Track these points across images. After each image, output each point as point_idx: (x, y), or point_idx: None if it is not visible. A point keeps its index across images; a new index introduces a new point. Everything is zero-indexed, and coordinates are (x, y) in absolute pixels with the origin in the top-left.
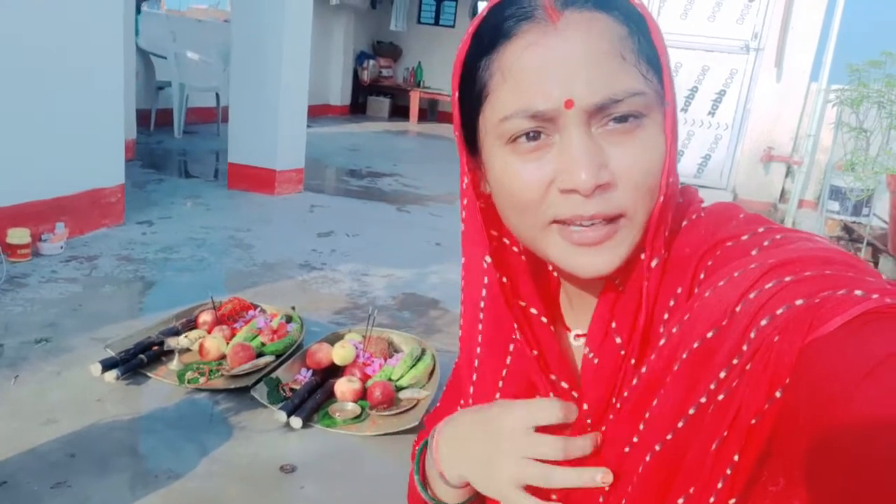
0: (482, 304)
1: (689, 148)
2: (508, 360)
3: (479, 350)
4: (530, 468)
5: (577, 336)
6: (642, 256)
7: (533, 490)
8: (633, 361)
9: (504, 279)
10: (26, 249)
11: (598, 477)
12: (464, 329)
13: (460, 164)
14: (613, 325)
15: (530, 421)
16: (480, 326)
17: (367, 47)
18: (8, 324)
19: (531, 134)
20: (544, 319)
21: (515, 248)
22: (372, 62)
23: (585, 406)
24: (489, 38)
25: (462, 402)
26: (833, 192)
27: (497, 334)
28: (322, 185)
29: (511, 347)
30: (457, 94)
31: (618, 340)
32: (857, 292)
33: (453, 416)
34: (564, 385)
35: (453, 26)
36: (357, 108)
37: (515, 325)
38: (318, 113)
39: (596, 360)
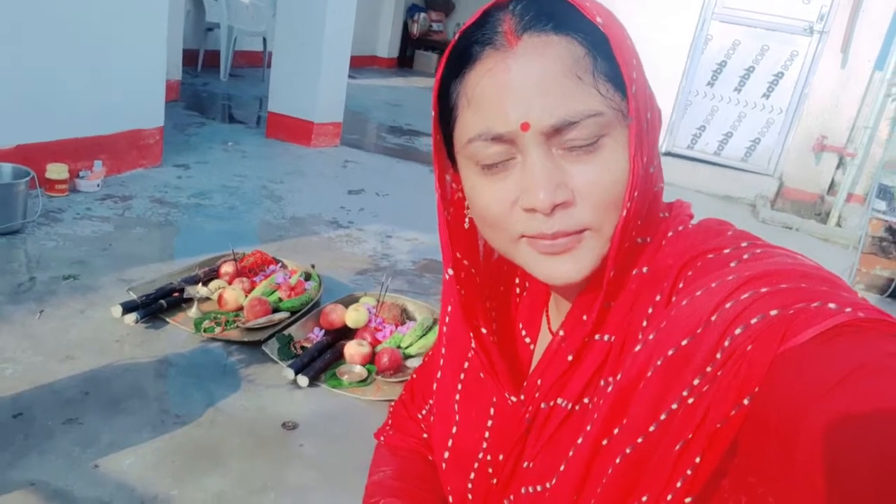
0: (449, 309)
1: (738, 130)
2: (466, 365)
3: (443, 350)
4: None
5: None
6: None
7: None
8: (569, 357)
9: (462, 291)
10: (64, 185)
11: None
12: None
13: (435, 180)
14: (584, 318)
15: None
16: (445, 328)
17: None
18: (40, 258)
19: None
20: (484, 330)
21: (473, 270)
22: (423, 15)
23: (523, 397)
24: (457, 62)
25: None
26: (881, 191)
27: (458, 340)
28: (359, 140)
29: (470, 353)
30: (435, 114)
31: (597, 337)
32: (831, 305)
33: None
34: (510, 397)
35: None
36: (404, 61)
37: (472, 335)
38: (363, 64)
39: (564, 344)
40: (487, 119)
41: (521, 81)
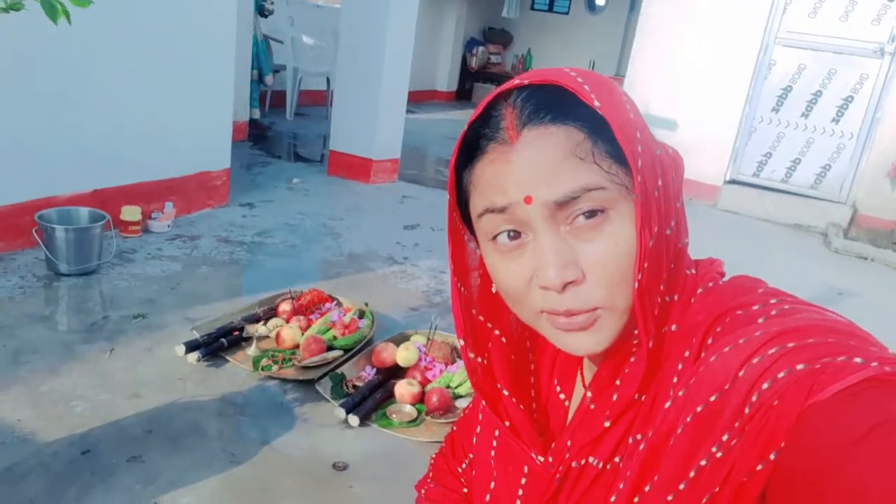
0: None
1: (806, 157)
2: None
3: (482, 404)
4: None
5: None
6: (636, 332)
7: None
8: (606, 424)
9: (481, 360)
10: (137, 226)
11: None
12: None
13: (448, 256)
14: (618, 382)
15: None
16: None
17: (478, 34)
18: (113, 297)
19: (511, 233)
20: (506, 395)
21: (497, 332)
22: (481, 48)
23: (551, 458)
24: (467, 152)
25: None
26: None
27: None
28: (417, 175)
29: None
30: (451, 197)
31: (615, 398)
32: (857, 360)
33: None
34: (537, 457)
35: (567, 13)
36: (463, 94)
37: (483, 403)
38: (423, 98)
39: (592, 406)
40: (489, 196)
41: (521, 167)
